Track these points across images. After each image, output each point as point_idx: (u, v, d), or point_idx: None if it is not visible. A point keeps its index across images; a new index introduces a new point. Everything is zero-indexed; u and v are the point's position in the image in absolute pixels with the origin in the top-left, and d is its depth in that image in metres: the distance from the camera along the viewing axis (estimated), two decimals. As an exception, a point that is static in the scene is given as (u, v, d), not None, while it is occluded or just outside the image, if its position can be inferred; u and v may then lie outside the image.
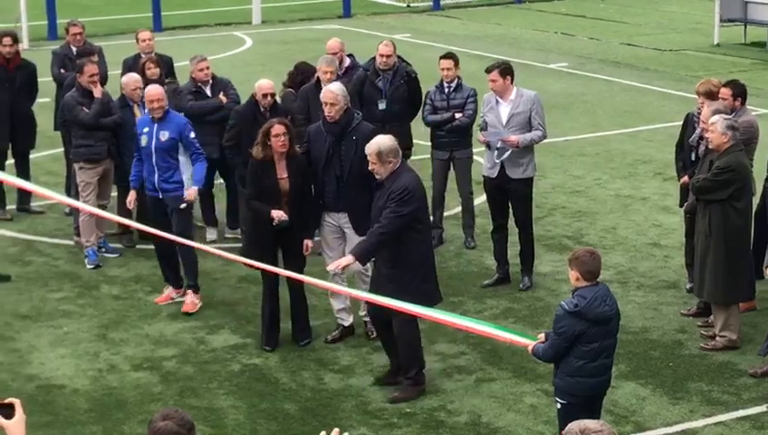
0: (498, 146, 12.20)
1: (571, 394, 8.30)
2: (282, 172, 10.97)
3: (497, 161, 12.24)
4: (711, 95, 11.77)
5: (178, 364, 10.96)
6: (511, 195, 12.53)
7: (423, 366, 10.33)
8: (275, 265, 10.94)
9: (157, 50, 15.62)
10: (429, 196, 14.16)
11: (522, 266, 12.68)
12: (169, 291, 12.50)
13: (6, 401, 4.86)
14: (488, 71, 12.36)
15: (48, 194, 13.66)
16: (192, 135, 12.31)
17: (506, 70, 12.35)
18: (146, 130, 12.29)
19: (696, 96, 12.08)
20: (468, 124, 13.56)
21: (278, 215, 10.85)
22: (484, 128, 12.39)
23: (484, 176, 12.68)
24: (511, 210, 12.66)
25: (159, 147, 12.17)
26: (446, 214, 14.22)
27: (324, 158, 10.96)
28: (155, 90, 12.37)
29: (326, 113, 11.04)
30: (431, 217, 14.00)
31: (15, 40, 15.27)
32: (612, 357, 8.44)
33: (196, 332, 11.67)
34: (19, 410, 4.84)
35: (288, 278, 11.02)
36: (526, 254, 12.67)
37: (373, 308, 10.31)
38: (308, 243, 11.13)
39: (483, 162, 12.83)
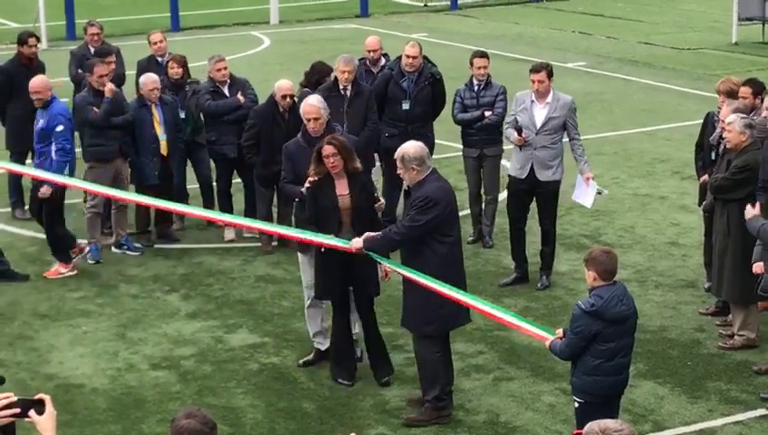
0: (596, 192, 12.57)
1: (588, 393, 8.29)
2: (342, 189, 10.20)
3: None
4: (732, 94, 11.74)
5: (197, 363, 10.98)
6: (538, 196, 12.52)
7: (444, 391, 9.80)
8: (346, 295, 10.39)
9: (175, 50, 15.65)
10: (465, 194, 14.19)
11: (541, 265, 12.67)
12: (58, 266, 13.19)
13: (36, 396, 4.96)
14: (536, 70, 12.25)
15: (69, 183, 13.64)
16: (59, 128, 12.64)
17: (552, 71, 12.34)
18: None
19: (717, 95, 12.06)
20: (498, 122, 13.49)
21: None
22: (515, 126, 12.28)
23: (510, 176, 12.63)
24: (536, 211, 12.66)
25: (36, 132, 12.88)
26: (462, 213, 14.12)
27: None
28: (34, 82, 12.96)
29: (309, 127, 10.84)
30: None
31: (38, 39, 15.45)
32: (630, 356, 8.42)
33: (214, 331, 11.70)
34: (49, 406, 4.95)
35: (361, 316, 10.53)
36: (547, 253, 12.65)
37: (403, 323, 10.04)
38: (386, 268, 10.16)
39: (510, 162, 12.75)
